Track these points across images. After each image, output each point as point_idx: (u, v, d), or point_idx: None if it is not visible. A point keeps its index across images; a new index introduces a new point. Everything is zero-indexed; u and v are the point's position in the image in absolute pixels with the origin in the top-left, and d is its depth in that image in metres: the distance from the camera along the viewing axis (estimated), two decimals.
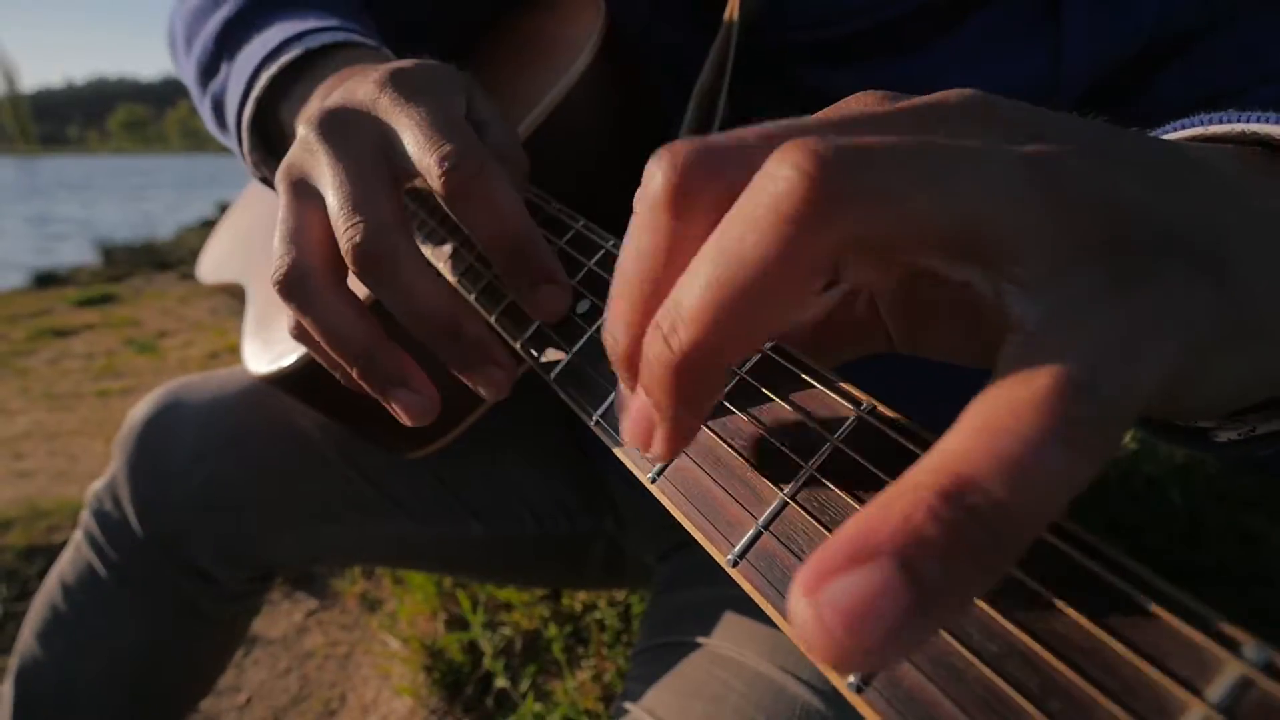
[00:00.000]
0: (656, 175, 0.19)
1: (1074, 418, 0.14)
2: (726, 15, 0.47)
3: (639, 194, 0.19)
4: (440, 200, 0.35)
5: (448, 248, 0.42)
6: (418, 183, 0.37)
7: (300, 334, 0.37)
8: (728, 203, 0.18)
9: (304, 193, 0.36)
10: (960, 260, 0.17)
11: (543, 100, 0.47)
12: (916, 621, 0.13)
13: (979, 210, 0.16)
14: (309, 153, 0.36)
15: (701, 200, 0.18)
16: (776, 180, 0.16)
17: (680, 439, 0.20)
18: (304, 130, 0.37)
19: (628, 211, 0.35)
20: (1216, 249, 0.17)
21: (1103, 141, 0.19)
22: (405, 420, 0.35)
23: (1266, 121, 0.24)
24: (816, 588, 0.13)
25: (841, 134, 0.17)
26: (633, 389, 0.21)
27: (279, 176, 0.37)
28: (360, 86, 0.38)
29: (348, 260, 0.33)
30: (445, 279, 0.35)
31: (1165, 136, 0.27)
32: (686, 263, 0.18)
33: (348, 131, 0.36)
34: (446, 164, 0.33)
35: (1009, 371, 0.15)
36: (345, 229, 0.33)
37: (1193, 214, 0.17)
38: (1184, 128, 0.27)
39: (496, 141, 0.40)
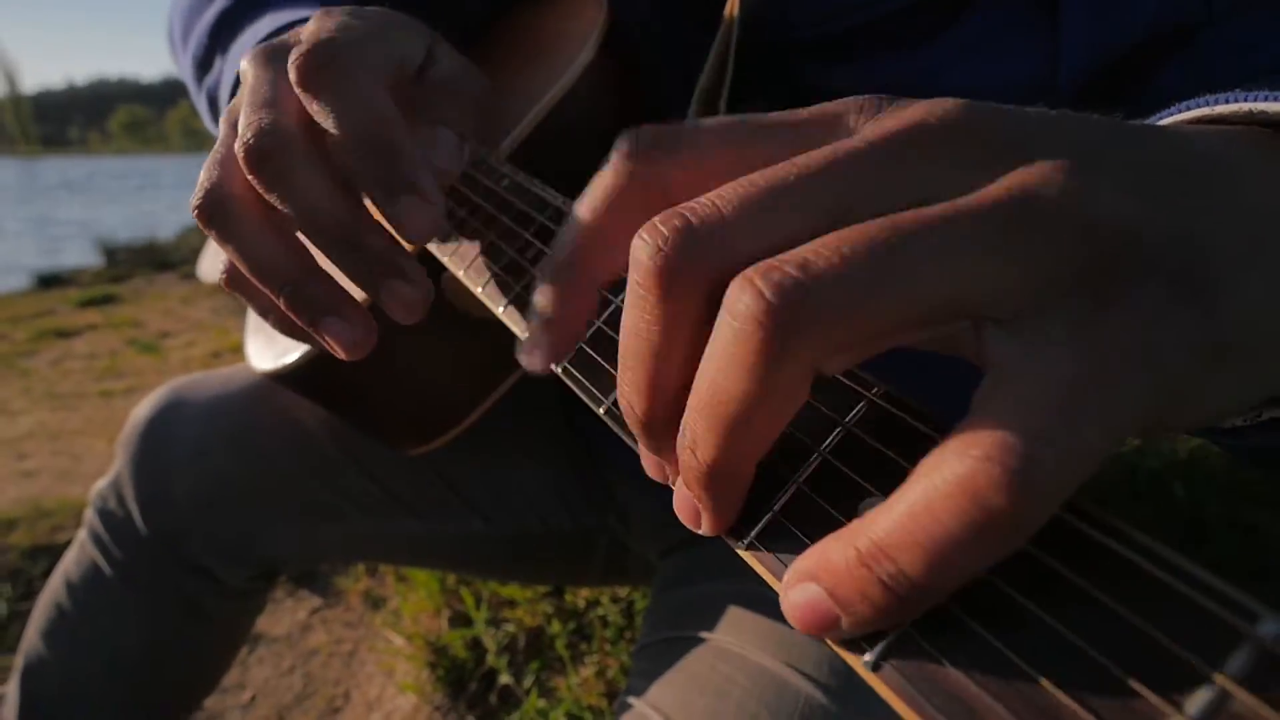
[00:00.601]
0: (642, 257, 0.19)
1: (995, 509, 0.14)
2: (727, 11, 0.47)
3: (630, 266, 0.19)
4: (300, 98, 0.33)
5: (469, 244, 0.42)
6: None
7: (229, 273, 0.35)
8: (711, 288, 0.18)
9: (231, 123, 0.35)
10: (938, 323, 0.17)
11: (545, 95, 0.47)
12: (846, 624, 0.17)
13: (950, 283, 0.16)
14: (242, 88, 0.35)
15: (690, 287, 0.19)
16: (734, 325, 0.17)
17: (726, 519, 0.21)
18: (242, 65, 0.36)
19: None
20: (1201, 268, 0.17)
21: (1089, 147, 0.18)
22: (339, 352, 0.33)
23: (1273, 100, 0.23)
24: (788, 586, 0.18)
25: (804, 209, 0.18)
26: (652, 447, 0.22)
27: (221, 121, 0.36)
28: (306, 25, 0.37)
29: (241, 162, 0.32)
30: (344, 186, 0.33)
31: (1171, 118, 0.27)
32: (682, 334, 0.19)
33: (276, 56, 0.35)
34: (296, 55, 0.32)
35: (967, 425, 0.16)
36: (243, 130, 0.32)
37: (1177, 230, 0.17)
38: (1190, 109, 0.27)
39: (441, 73, 0.39)
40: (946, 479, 0.15)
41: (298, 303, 0.33)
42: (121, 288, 4.56)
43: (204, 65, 0.55)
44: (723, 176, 0.19)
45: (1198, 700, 0.13)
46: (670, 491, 0.23)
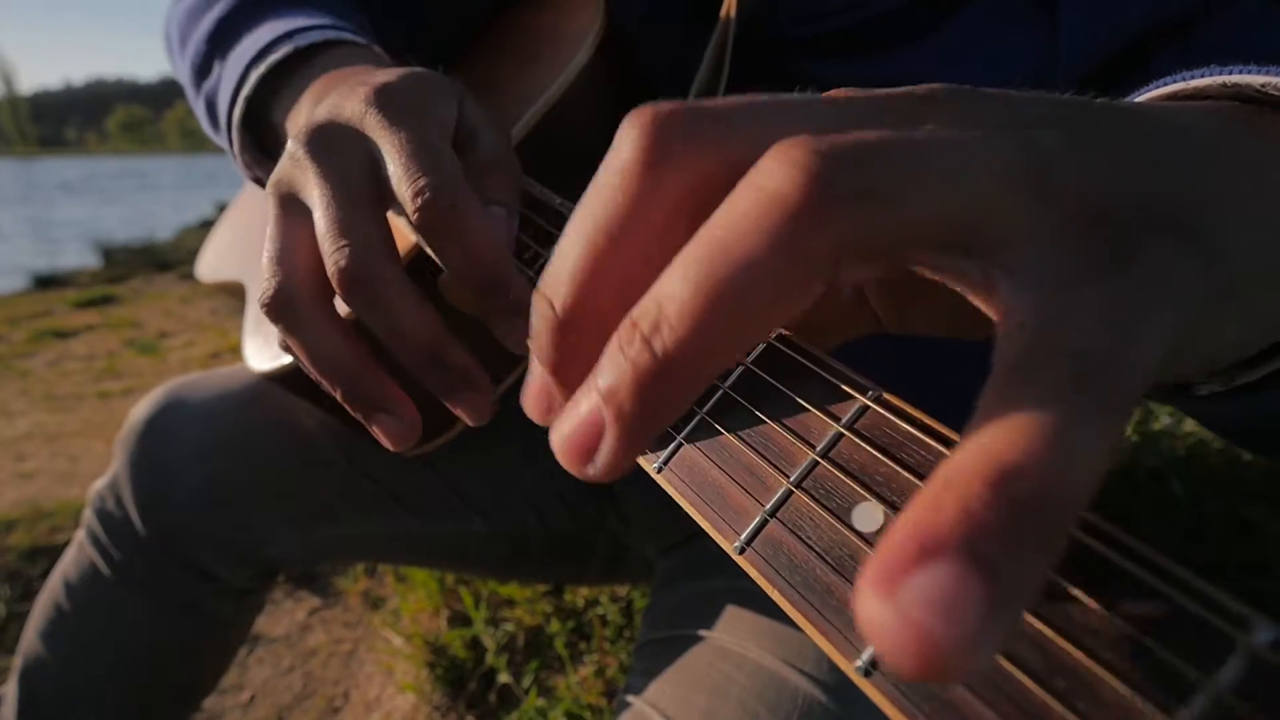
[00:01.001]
0: (630, 133, 0.18)
1: (1092, 392, 0.14)
2: (724, 10, 0.47)
3: (608, 155, 0.18)
4: (414, 233, 0.35)
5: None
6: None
7: (287, 350, 0.38)
8: (702, 175, 0.17)
9: (292, 209, 0.36)
10: (952, 254, 0.17)
11: (542, 96, 0.47)
12: (999, 610, 0.12)
13: (971, 205, 0.16)
14: (298, 168, 0.36)
15: (676, 166, 0.17)
16: (776, 177, 0.15)
17: (631, 454, 0.18)
18: (293, 146, 0.37)
19: None
20: (1198, 218, 0.17)
21: (1080, 121, 0.19)
22: (387, 444, 0.36)
23: (1246, 72, 0.24)
24: (892, 590, 0.13)
25: (833, 122, 0.17)
26: (553, 364, 0.20)
27: (269, 190, 0.37)
28: (348, 102, 0.38)
29: (334, 283, 0.34)
30: (433, 310, 0.35)
31: (1149, 94, 0.27)
32: (647, 236, 0.18)
33: (335, 149, 0.36)
34: (420, 199, 0.34)
35: (1015, 360, 0.15)
36: (331, 252, 0.34)
37: (1174, 187, 0.18)
38: (1167, 84, 0.27)
39: (486, 152, 0.40)
40: (972, 463, 0.14)
41: (353, 398, 0.35)
42: (119, 288, 4.56)
43: (202, 71, 0.55)
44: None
45: (1191, 709, 0.13)
46: (666, 494, 0.23)
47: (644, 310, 0.17)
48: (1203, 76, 0.25)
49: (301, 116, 0.39)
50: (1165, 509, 1.28)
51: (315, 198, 0.35)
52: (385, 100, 0.37)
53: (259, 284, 0.35)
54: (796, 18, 0.48)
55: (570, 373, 0.20)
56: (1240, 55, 0.41)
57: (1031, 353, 0.15)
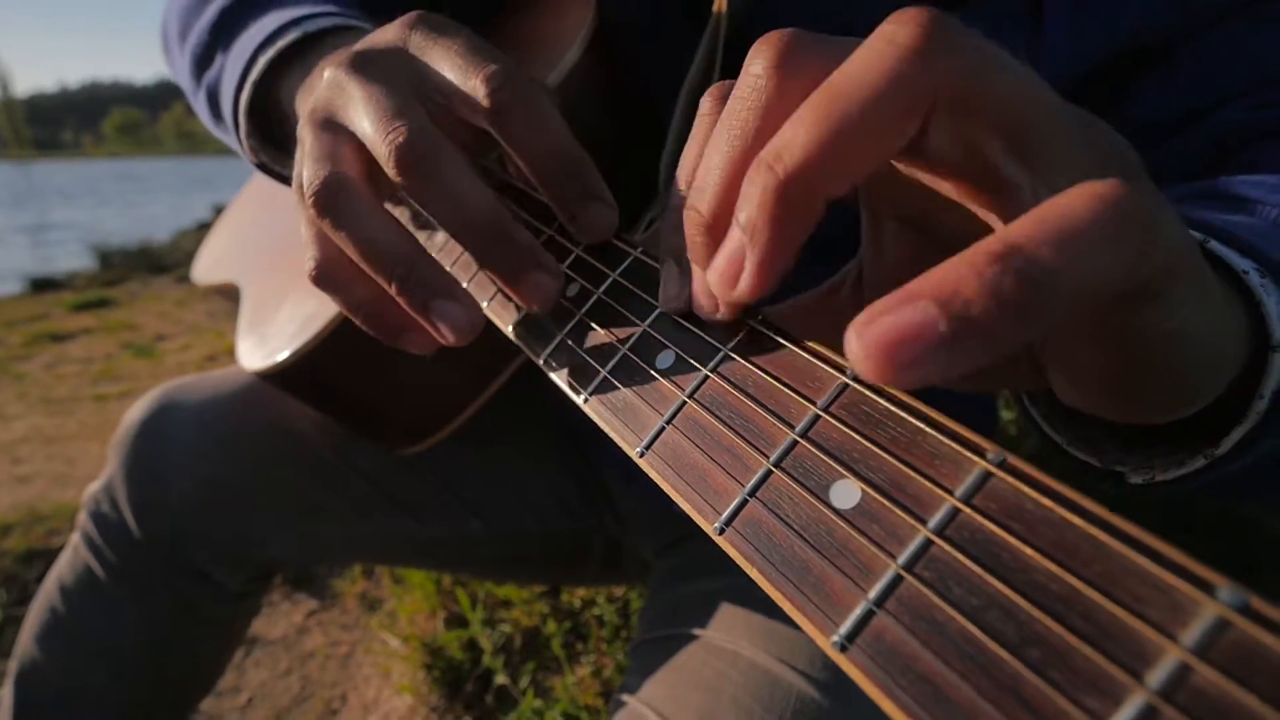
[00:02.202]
0: (761, 49, 0.21)
1: (1116, 215, 0.16)
2: (716, 6, 0.47)
3: (747, 63, 0.22)
4: (486, 121, 0.34)
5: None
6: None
7: (323, 269, 0.35)
8: (824, 76, 0.20)
9: (333, 127, 0.35)
10: (1016, 153, 0.19)
11: None
12: (943, 347, 0.15)
13: (1040, 111, 0.19)
14: (338, 89, 0.35)
15: (804, 69, 0.21)
16: (895, 28, 0.19)
17: (771, 273, 0.21)
18: (332, 71, 0.36)
19: (617, 203, 0.35)
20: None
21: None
22: (449, 337, 0.33)
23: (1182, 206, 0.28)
24: (866, 324, 0.16)
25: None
26: (708, 260, 0.23)
27: (305, 122, 0.36)
28: (388, 31, 0.37)
29: (390, 164, 0.32)
30: (485, 183, 0.34)
31: None
32: (779, 126, 0.20)
33: (379, 64, 0.35)
34: (494, 82, 0.33)
35: (1068, 191, 0.17)
36: (387, 134, 0.32)
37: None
38: None
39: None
40: (1076, 194, 0.17)
41: (413, 285, 0.33)
42: (116, 291, 4.55)
43: (204, 62, 0.54)
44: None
45: (1159, 673, 0.13)
46: (662, 494, 0.24)
47: (770, 147, 0.20)
48: None
49: (337, 55, 0.38)
50: (1157, 506, 1.29)
51: (359, 106, 0.34)
52: (426, 21, 0.36)
53: (304, 188, 0.34)
54: (789, 17, 0.48)
55: (776, 244, 0.22)
56: (1222, 79, 0.42)
57: (1086, 184, 0.17)
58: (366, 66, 0.35)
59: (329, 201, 0.33)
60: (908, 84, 0.18)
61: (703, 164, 0.23)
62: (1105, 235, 0.16)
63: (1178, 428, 0.27)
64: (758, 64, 0.22)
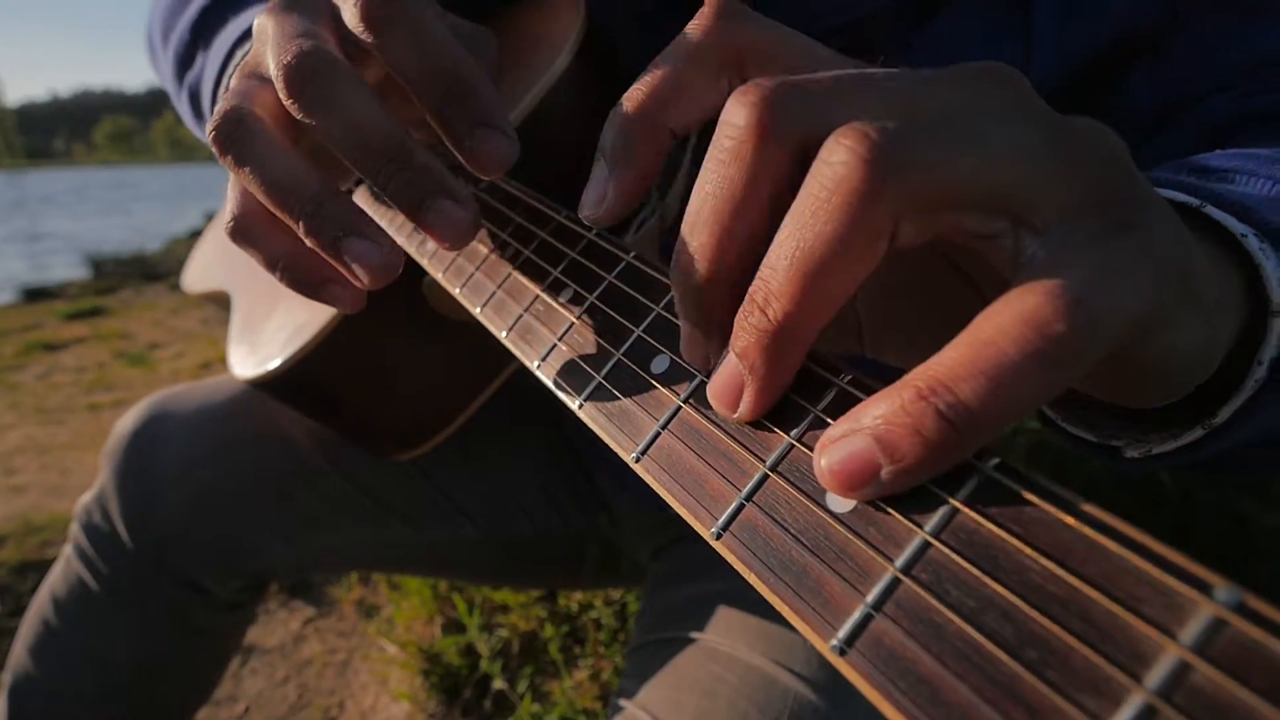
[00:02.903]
0: (740, 111, 0.21)
1: (1056, 335, 0.16)
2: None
3: (722, 125, 0.21)
4: (367, 42, 0.32)
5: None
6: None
7: (238, 220, 0.33)
8: (803, 145, 0.20)
9: (253, 74, 0.34)
10: (994, 215, 0.19)
11: (523, 99, 0.47)
12: (888, 477, 0.17)
13: (1011, 170, 0.19)
14: (260, 34, 0.34)
15: (785, 137, 0.20)
16: (834, 166, 0.18)
17: (769, 400, 0.22)
18: (259, 19, 0.34)
19: None
20: (1178, 224, 0.20)
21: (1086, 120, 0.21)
22: (362, 278, 0.31)
23: (1167, 186, 0.28)
24: (824, 446, 0.19)
25: (899, 100, 0.20)
26: (703, 327, 0.23)
27: (234, 76, 0.35)
28: None
29: (280, 86, 0.30)
30: (385, 107, 0.32)
31: None
32: (763, 198, 0.21)
33: (298, 7, 0.34)
34: None
35: (1010, 296, 0.17)
36: (279, 58, 0.31)
37: (1152, 191, 0.20)
38: None
39: (464, 30, 0.39)
40: (1010, 313, 0.17)
41: (319, 222, 0.31)
42: (109, 299, 4.53)
43: (185, 62, 0.54)
44: (789, 72, 0.22)
45: (1157, 673, 0.13)
46: (658, 497, 0.23)
47: (757, 286, 0.20)
48: None
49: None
50: (1155, 501, 1.29)
51: (271, 42, 0.32)
52: None
53: (210, 122, 0.32)
54: (780, 17, 0.48)
55: (713, 325, 0.23)
56: (1210, 69, 0.42)
57: (1021, 292, 0.17)
58: (286, 8, 0.33)
59: (227, 136, 0.31)
60: (864, 224, 0.18)
61: (687, 224, 0.23)
62: (1041, 365, 0.16)
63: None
64: (739, 125, 0.21)
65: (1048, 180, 0.19)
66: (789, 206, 0.20)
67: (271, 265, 0.34)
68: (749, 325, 0.20)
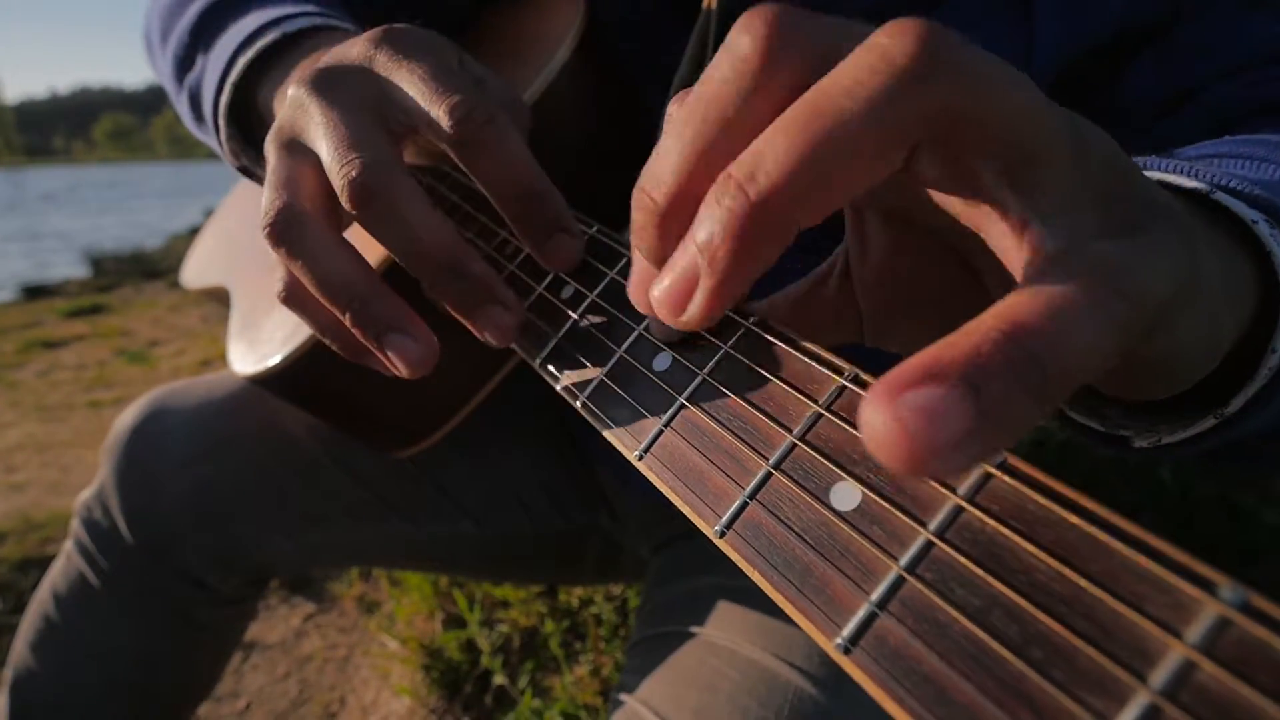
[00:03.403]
0: (750, 25, 0.19)
1: (1114, 293, 0.16)
2: (704, 5, 0.47)
3: (722, 49, 0.20)
4: (450, 150, 0.34)
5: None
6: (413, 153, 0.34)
7: (289, 292, 0.35)
8: (812, 69, 0.18)
9: (296, 150, 0.35)
10: (1004, 177, 0.18)
11: (524, 95, 0.47)
12: (974, 434, 0.14)
13: (1036, 129, 0.18)
14: (300, 110, 0.35)
15: (793, 55, 0.19)
16: (884, 45, 0.17)
17: (724, 302, 0.20)
18: (295, 90, 0.35)
19: (609, 203, 0.35)
20: (1186, 222, 0.20)
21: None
22: (403, 370, 0.33)
23: (1176, 172, 0.27)
24: (892, 398, 0.15)
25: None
26: (657, 253, 0.21)
27: (270, 140, 0.36)
28: (353, 47, 0.37)
29: (344, 197, 0.32)
30: (445, 216, 0.34)
31: None
32: (756, 120, 0.19)
33: (342, 85, 0.35)
34: (458, 112, 0.33)
35: (1038, 271, 0.17)
36: (342, 166, 0.32)
37: (1164, 195, 0.20)
38: None
39: (497, 96, 0.39)
40: (1043, 296, 0.16)
41: (365, 319, 0.33)
42: (109, 297, 4.53)
43: (185, 64, 0.54)
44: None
45: (1162, 672, 0.13)
46: (659, 492, 0.23)
47: (741, 162, 0.18)
48: (1143, 169, 0.28)
49: (303, 71, 0.38)
50: (1156, 497, 1.29)
51: (320, 129, 0.33)
52: (393, 39, 0.36)
53: (260, 217, 0.33)
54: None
55: (734, 273, 0.20)
56: (1214, 59, 0.42)
57: (1057, 270, 0.17)
58: (329, 87, 0.35)
59: (283, 233, 0.33)
60: (899, 111, 0.17)
61: (664, 143, 0.21)
62: (1111, 333, 0.16)
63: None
64: (745, 41, 0.19)
65: (1062, 157, 0.18)
66: (888, 166, 0.18)
67: (320, 331, 0.37)
68: (719, 208, 0.18)
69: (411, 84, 0.34)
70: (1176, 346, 0.21)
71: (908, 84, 0.17)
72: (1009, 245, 0.19)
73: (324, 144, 0.33)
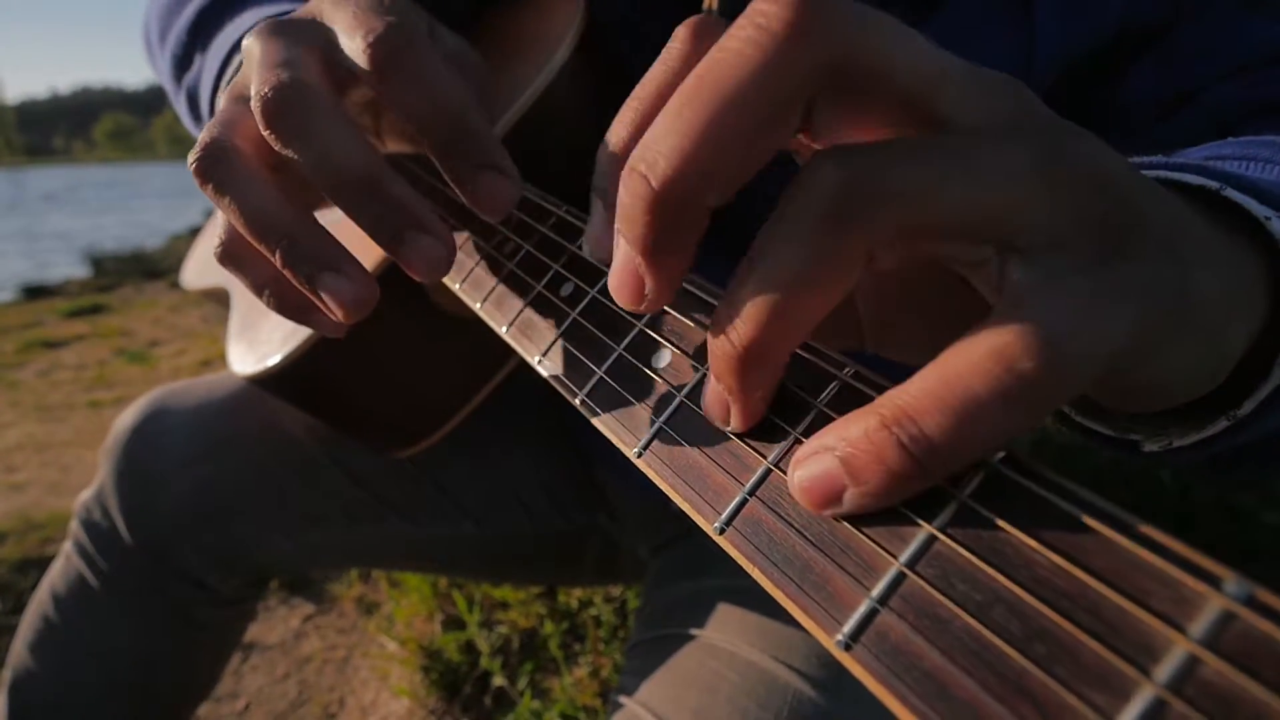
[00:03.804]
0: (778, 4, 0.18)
1: (1026, 374, 0.16)
2: (705, 6, 0.47)
3: (740, 20, 0.19)
4: (370, 82, 0.32)
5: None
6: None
7: (226, 247, 0.33)
8: (832, 67, 0.18)
9: (239, 99, 0.34)
10: (978, 243, 0.18)
11: (522, 95, 0.47)
12: (851, 499, 0.17)
13: (997, 202, 0.17)
14: (248, 59, 0.34)
15: (819, 48, 0.18)
16: (765, 6, 0.17)
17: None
18: (247, 41, 0.34)
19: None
20: (1180, 243, 0.19)
21: (1093, 135, 0.20)
22: (338, 313, 0.31)
23: (1183, 171, 0.27)
24: (795, 462, 0.19)
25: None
26: (645, 246, 0.21)
27: (223, 92, 0.35)
28: (310, 4, 0.36)
29: (259, 119, 0.30)
30: (367, 138, 0.32)
31: None
32: (764, 100, 0.18)
33: (288, 29, 0.34)
34: (370, 37, 0.31)
35: (985, 325, 0.17)
36: (258, 85, 0.30)
37: (1162, 209, 0.19)
38: None
39: (451, 48, 0.38)
40: (980, 349, 0.16)
41: (295, 257, 0.31)
42: (109, 297, 4.53)
43: (183, 63, 0.54)
44: (897, 101, 0.20)
45: (1167, 666, 0.13)
46: (659, 490, 0.23)
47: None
48: (1149, 169, 0.27)
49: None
50: (1155, 498, 1.29)
51: (255, 70, 0.32)
52: None
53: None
54: None
55: (663, 254, 0.21)
56: (1215, 60, 0.42)
57: (997, 322, 0.17)
58: (273, 34, 0.33)
59: (209, 168, 0.31)
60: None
61: (665, 119, 0.19)
62: (1009, 403, 0.16)
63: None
64: (775, 11, 0.18)
65: (1037, 208, 0.18)
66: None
67: (258, 291, 0.34)
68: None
69: (342, 19, 0.33)
70: (1169, 373, 0.20)
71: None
72: (990, 286, 0.19)
73: (255, 73, 0.32)
